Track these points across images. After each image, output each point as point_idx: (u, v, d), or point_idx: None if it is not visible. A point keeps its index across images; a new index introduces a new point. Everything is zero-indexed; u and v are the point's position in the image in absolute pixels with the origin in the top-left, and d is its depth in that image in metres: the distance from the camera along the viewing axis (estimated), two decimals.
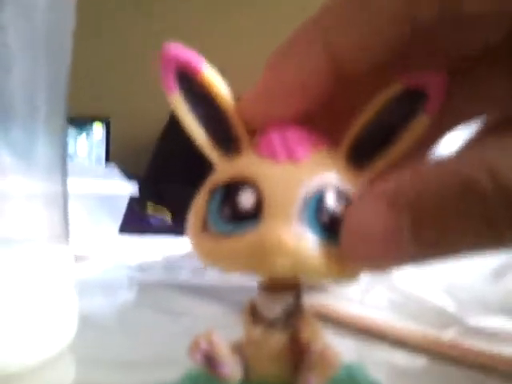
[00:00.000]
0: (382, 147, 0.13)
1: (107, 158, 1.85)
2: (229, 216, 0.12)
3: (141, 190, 0.55)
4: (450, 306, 0.28)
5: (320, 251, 0.12)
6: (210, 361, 0.13)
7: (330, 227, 0.12)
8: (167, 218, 1.37)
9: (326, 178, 0.12)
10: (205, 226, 0.13)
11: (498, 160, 0.11)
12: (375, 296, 0.30)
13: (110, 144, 1.89)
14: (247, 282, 0.17)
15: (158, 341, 0.24)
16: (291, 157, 0.12)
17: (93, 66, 1.67)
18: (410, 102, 0.13)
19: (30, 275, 0.20)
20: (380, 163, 0.13)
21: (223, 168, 0.13)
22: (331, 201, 0.12)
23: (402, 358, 0.23)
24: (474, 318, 0.26)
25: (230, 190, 0.12)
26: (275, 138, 0.13)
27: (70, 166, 0.23)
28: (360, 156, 0.13)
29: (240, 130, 0.14)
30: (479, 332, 0.24)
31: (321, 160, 0.13)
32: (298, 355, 0.13)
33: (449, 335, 0.24)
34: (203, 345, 0.13)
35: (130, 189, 0.53)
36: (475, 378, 0.21)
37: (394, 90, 0.13)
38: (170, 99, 0.13)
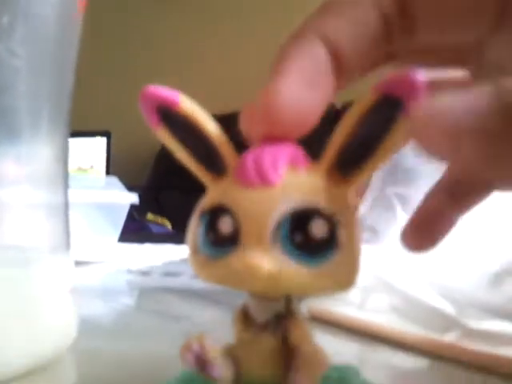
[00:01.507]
0: (365, 156, 0.13)
1: (108, 171, 1.86)
2: (212, 241, 0.13)
3: (141, 200, 0.56)
4: (451, 310, 0.27)
5: (297, 272, 0.12)
6: (202, 363, 0.13)
7: (305, 247, 0.12)
8: (167, 226, 1.37)
9: (298, 199, 0.12)
10: (196, 248, 0.13)
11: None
12: (375, 300, 0.30)
13: (111, 157, 1.89)
14: None
15: (157, 344, 0.24)
16: (264, 181, 0.12)
17: (95, 80, 1.68)
18: (388, 108, 0.12)
19: (31, 282, 0.20)
20: (365, 171, 0.13)
21: (210, 192, 0.14)
22: (304, 221, 0.12)
23: (403, 361, 0.23)
24: (474, 321, 0.25)
25: (212, 216, 0.13)
26: (249, 162, 0.13)
27: (73, 178, 0.23)
28: (344, 168, 0.13)
29: (226, 152, 0.14)
30: (480, 335, 0.24)
31: (296, 180, 0.13)
32: (288, 357, 0.13)
33: (450, 338, 0.24)
34: (195, 347, 0.13)
35: (131, 198, 0.53)
36: (476, 380, 0.21)
37: (369, 99, 0.12)
38: (157, 134, 0.14)
